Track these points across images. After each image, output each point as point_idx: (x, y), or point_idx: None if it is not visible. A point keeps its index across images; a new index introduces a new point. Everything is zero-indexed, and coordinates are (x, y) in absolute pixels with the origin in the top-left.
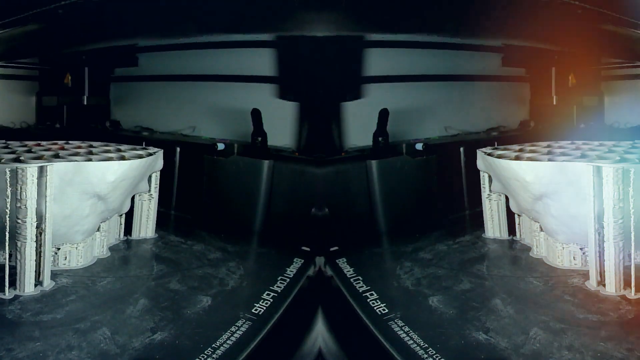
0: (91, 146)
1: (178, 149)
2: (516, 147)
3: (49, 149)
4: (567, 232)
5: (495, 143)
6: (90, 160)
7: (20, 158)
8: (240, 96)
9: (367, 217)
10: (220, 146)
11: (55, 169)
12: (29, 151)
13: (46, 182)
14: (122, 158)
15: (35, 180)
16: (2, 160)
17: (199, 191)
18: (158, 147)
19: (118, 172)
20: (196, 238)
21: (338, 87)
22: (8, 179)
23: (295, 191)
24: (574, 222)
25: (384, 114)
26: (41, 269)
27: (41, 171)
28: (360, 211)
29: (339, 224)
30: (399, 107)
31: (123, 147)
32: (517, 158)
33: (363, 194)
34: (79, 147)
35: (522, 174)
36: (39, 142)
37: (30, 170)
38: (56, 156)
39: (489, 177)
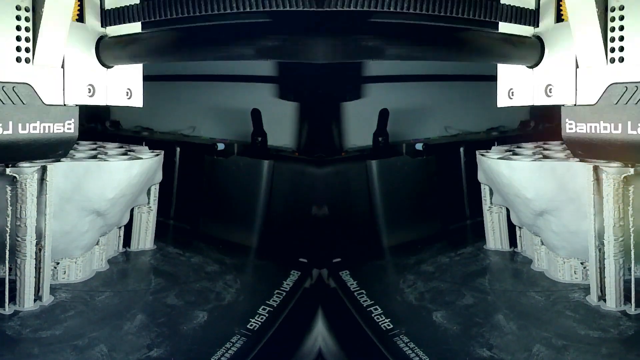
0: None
1: (178, 149)
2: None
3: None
4: (568, 247)
5: (496, 143)
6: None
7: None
8: (240, 96)
9: (367, 217)
10: (220, 146)
11: (55, 186)
12: None
13: (46, 200)
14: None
15: (35, 199)
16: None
17: (200, 191)
18: (158, 148)
19: (117, 189)
20: (194, 250)
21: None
22: (9, 198)
23: (295, 191)
24: (574, 238)
25: (384, 114)
26: (40, 284)
27: (41, 188)
28: (360, 211)
29: (339, 225)
30: (399, 107)
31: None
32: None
33: (363, 194)
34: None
35: (523, 191)
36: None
37: (30, 190)
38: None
39: (490, 189)
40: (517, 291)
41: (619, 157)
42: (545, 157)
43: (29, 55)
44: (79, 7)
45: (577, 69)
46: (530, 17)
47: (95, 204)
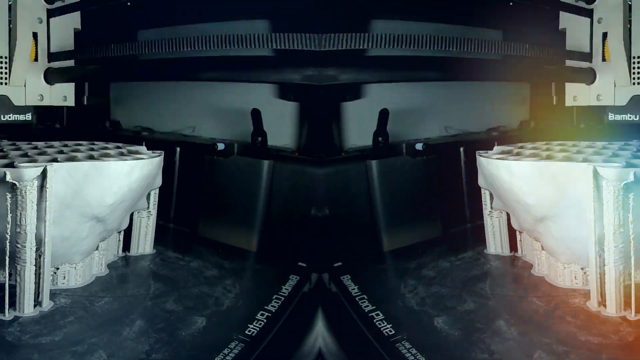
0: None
1: (178, 149)
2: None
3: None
4: (568, 253)
5: (496, 143)
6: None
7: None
8: (240, 96)
9: (367, 218)
10: (220, 146)
11: (55, 192)
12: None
13: (45, 207)
14: None
15: (35, 206)
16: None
17: (199, 192)
18: (158, 148)
19: (117, 194)
20: (194, 254)
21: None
22: (9, 205)
23: (295, 191)
24: (575, 243)
25: (384, 114)
26: (40, 290)
27: (41, 194)
28: (361, 212)
29: (340, 227)
30: (399, 107)
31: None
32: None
33: (363, 194)
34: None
35: (523, 197)
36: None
37: (30, 197)
38: (55, 160)
39: (490, 194)
40: (517, 296)
41: None
42: (547, 157)
43: (7, 80)
44: (35, 51)
45: (615, 87)
46: (587, 57)
47: (95, 209)
